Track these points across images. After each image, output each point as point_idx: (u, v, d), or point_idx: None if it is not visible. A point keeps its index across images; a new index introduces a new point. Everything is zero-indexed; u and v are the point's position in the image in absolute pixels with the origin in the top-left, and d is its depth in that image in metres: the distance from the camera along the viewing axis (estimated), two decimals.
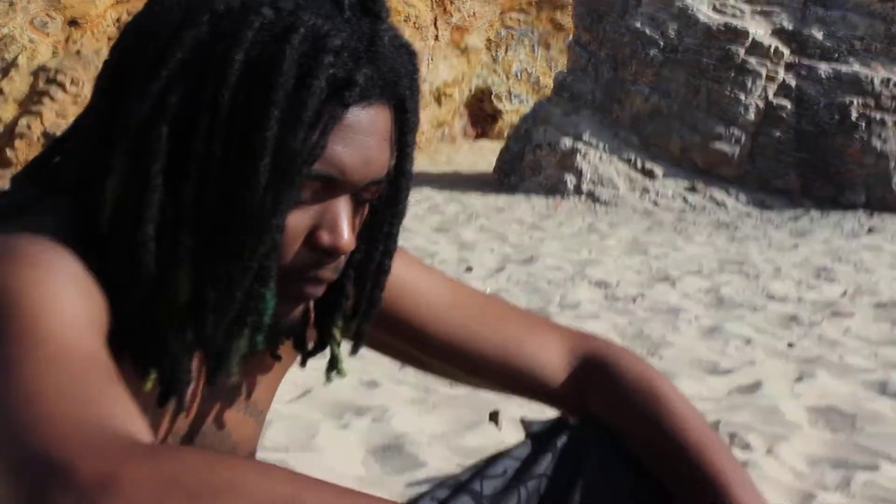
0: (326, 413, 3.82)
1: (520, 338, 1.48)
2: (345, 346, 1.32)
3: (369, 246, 1.24)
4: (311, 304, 1.27)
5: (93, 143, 1.11)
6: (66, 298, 0.99)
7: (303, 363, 1.34)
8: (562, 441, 1.45)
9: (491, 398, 4.01)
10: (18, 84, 15.76)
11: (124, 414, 0.87)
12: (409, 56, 1.15)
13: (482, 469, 1.43)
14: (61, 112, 15.48)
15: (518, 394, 1.55)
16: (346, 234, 1.11)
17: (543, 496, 1.42)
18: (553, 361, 1.49)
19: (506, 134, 19.42)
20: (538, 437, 1.48)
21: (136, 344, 1.11)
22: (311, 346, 1.31)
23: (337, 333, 1.29)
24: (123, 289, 1.07)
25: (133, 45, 1.11)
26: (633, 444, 1.44)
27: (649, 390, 1.45)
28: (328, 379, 1.33)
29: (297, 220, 1.09)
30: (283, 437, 3.42)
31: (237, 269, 1.07)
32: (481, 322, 1.46)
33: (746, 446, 3.65)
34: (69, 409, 0.85)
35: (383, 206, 1.21)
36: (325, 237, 1.11)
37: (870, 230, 12.08)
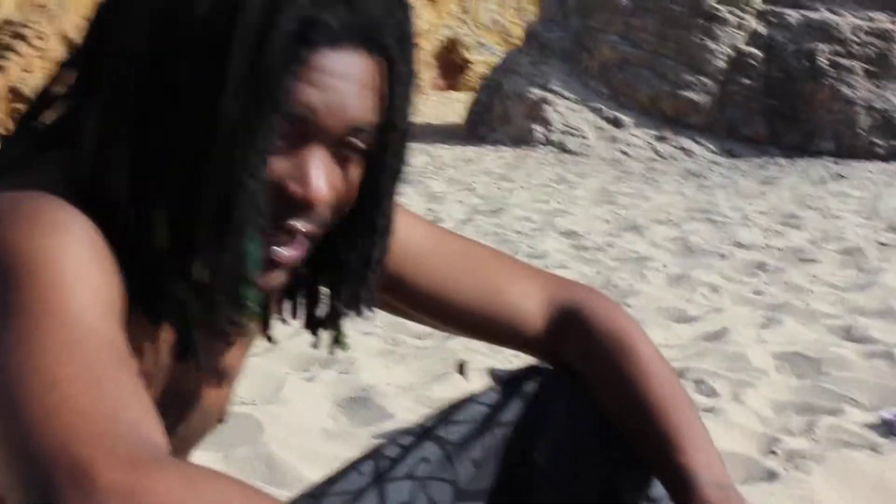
0: (293, 366, 3.81)
1: (500, 287, 1.46)
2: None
3: (369, 206, 1.17)
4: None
5: (78, 92, 1.09)
6: (88, 272, 0.95)
7: (313, 332, 1.29)
8: (530, 388, 1.44)
9: (458, 348, 4.02)
10: None
11: (142, 413, 0.85)
12: (398, 5, 1.11)
13: (447, 414, 1.42)
14: (27, 66, 15.32)
15: (495, 342, 1.53)
16: (317, 184, 1.07)
17: (510, 443, 1.41)
18: (531, 311, 1.47)
19: (475, 85, 19.35)
20: (507, 383, 1.46)
21: (146, 296, 1.07)
22: (310, 315, 1.27)
23: (340, 306, 1.24)
24: (117, 239, 1.03)
25: None
26: (600, 395, 1.44)
27: (620, 343, 1.44)
28: (331, 352, 1.30)
29: (269, 169, 1.05)
30: (250, 391, 3.41)
31: (211, 211, 1.03)
32: (461, 271, 1.43)
33: (712, 392, 3.67)
34: (89, 403, 0.82)
35: (375, 162, 1.16)
36: (294, 187, 1.07)
37: (838, 177, 12.13)
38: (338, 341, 1.28)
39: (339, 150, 1.10)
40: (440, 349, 4.05)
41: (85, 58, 1.10)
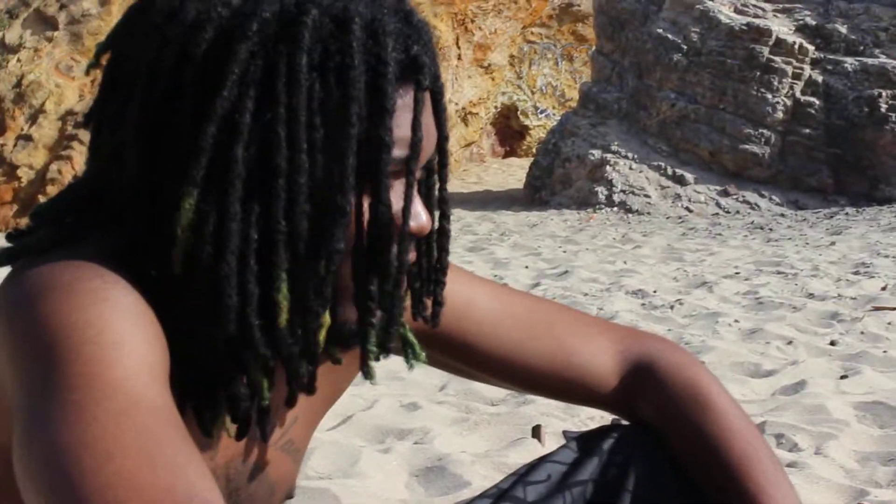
0: (368, 438, 3.79)
1: (571, 346, 1.44)
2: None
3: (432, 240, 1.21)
4: None
5: (142, 173, 1.04)
6: (134, 341, 0.94)
7: (377, 358, 1.28)
8: (608, 445, 1.41)
9: (532, 413, 3.98)
10: (47, 130, 15.88)
11: (198, 477, 0.84)
12: (427, 27, 1.12)
13: (524, 475, 1.39)
14: None
15: (568, 400, 1.51)
16: (425, 216, 1.11)
17: (589, 502, 1.38)
18: (604, 368, 1.45)
19: (534, 150, 19.39)
20: (583, 440, 1.44)
21: (200, 390, 1.07)
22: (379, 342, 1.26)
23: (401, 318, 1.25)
24: (192, 329, 1.02)
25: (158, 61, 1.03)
26: (678, 451, 1.41)
27: (697, 397, 1.41)
28: (410, 366, 1.29)
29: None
30: (326, 465, 3.40)
31: (327, 272, 1.04)
32: (530, 334, 1.42)
33: (794, 447, 3.60)
34: (144, 473, 0.81)
35: (433, 171, 1.18)
36: (409, 223, 1.08)
37: None
38: (413, 353, 1.28)
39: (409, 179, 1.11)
40: (514, 415, 4.01)
41: (140, 145, 1.06)
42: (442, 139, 1.14)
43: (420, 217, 1.10)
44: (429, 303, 1.22)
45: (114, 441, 0.84)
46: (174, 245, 1.02)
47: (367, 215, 1.05)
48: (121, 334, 0.94)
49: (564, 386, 1.46)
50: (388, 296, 1.08)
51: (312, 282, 1.03)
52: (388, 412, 4.05)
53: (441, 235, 1.20)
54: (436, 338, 1.35)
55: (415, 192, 1.09)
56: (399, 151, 1.05)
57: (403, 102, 1.05)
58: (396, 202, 1.08)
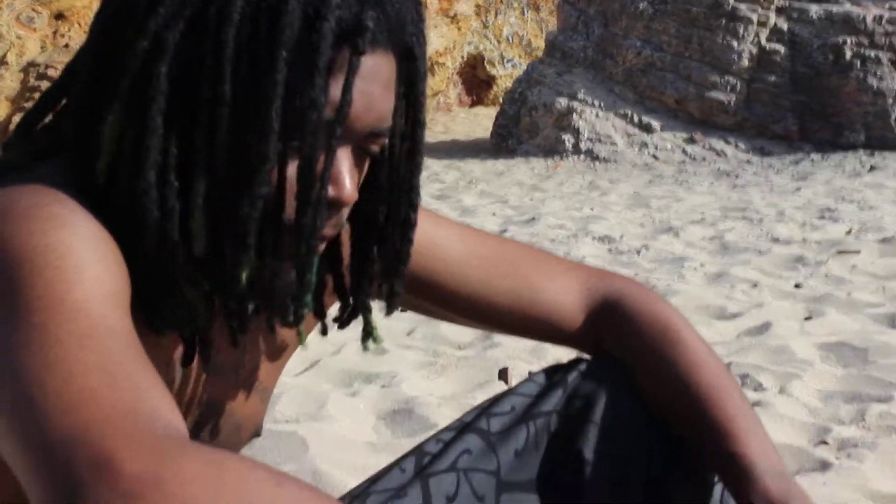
0: (335, 383, 3.80)
1: (537, 284, 1.44)
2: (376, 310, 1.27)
3: (393, 201, 1.18)
4: (330, 271, 1.24)
5: (88, 90, 1.06)
6: (96, 267, 0.93)
7: (341, 327, 1.28)
8: (573, 377, 1.42)
9: (499, 356, 4.00)
10: (9, 81, 15.71)
11: (160, 400, 0.83)
12: (413, 3, 1.10)
13: (488, 407, 1.40)
14: None
15: (536, 338, 1.51)
16: (349, 185, 1.07)
17: (553, 434, 1.38)
18: (570, 304, 1.46)
19: (501, 99, 19.34)
20: (548, 374, 1.44)
21: (151, 302, 1.06)
22: (340, 313, 1.26)
23: (367, 300, 1.24)
24: (129, 245, 1.01)
25: None
26: (645, 385, 1.41)
27: (664, 331, 1.42)
28: (364, 347, 1.29)
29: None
30: (293, 409, 3.40)
31: (248, 219, 1.02)
32: (496, 272, 1.42)
33: (759, 387, 3.63)
34: (107, 393, 0.80)
35: (403, 159, 1.16)
36: (328, 189, 1.06)
37: (871, 168, 12.04)
38: (369, 334, 1.28)
39: (359, 150, 1.10)
40: (481, 358, 4.02)
41: (91, 61, 1.08)
42: (415, 124, 1.13)
43: (340, 186, 1.07)
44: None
45: (77, 362, 0.83)
46: (98, 159, 1.02)
47: (289, 171, 1.04)
48: (82, 259, 0.93)
49: (531, 323, 1.46)
50: (299, 258, 1.06)
51: (233, 222, 1.02)
52: (356, 357, 4.06)
53: (405, 225, 1.19)
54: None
55: (342, 160, 1.07)
56: (330, 114, 1.03)
57: (343, 64, 1.03)
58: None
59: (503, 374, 3.74)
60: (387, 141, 1.14)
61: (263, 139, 1.00)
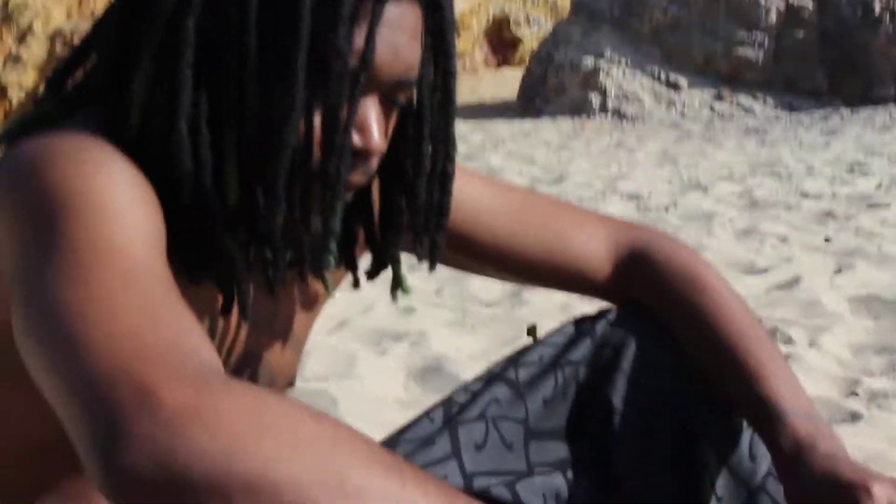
0: (364, 341, 3.81)
1: (564, 235, 1.44)
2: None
3: (427, 153, 1.17)
4: (361, 223, 1.24)
5: (117, 45, 1.06)
6: (133, 210, 0.94)
7: (370, 278, 1.28)
8: (601, 326, 1.42)
9: (527, 313, 4.00)
10: (36, 50, 15.77)
11: (201, 340, 0.84)
12: None
13: (516, 358, 1.40)
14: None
15: (565, 289, 1.50)
16: (376, 134, 1.07)
17: (581, 382, 1.38)
18: (598, 255, 1.45)
19: (527, 60, 19.26)
20: (577, 324, 1.44)
21: (188, 251, 1.07)
22: (370, 266, 1.27)
23: (396, 251, 1.25)
24: (164, 194, 1.02)
25: None
26: (675, 332, 1.41)
27: (693, 280, 1.41)
28: (393, 298, 1.29)
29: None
30: (323, 367, 3.41)
31: (277, 169, 1.02)
32: (524, 223, 1.42)
33: (789, 340, 3.62)
34: (150, 331, 0.81)
35: (435, 110, 1.15)
36: (355, 138, 1.06)
37: None
38: (399, 284, 1.28)
39: (387, 100, 1.09)
40: (510, 315, 4.03)
41: (119, 17, 1.09)
42: (446, 74, 1.13)
43: (368, 134, 1.06)
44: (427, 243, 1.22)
45: (120, 301, 0.84)
46: (129, 112, 1.03)
47: (315, 121, 1.04)
48: (123, 203, 0.94)
49: (560, 273, 1.46)
50: (325, 205, 1.06)
51: (263, 172, 1.03)
52: (385, 316, 4.07)
53: (443, 177, 1.19)
54: None
55: (369, 109, 1.06)
56: (355, 63, 1.02)
57: (367, 13, 1.02)
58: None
59: (532, 331, 3.74)
60: (416, 92, 1.13)
61: (289, 89, 1.00)
